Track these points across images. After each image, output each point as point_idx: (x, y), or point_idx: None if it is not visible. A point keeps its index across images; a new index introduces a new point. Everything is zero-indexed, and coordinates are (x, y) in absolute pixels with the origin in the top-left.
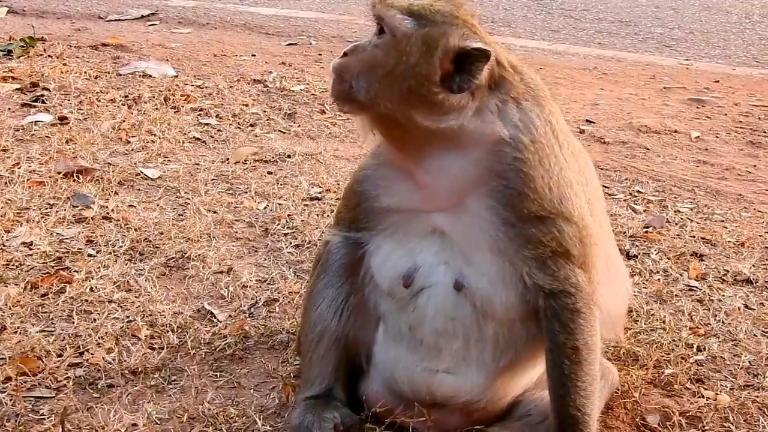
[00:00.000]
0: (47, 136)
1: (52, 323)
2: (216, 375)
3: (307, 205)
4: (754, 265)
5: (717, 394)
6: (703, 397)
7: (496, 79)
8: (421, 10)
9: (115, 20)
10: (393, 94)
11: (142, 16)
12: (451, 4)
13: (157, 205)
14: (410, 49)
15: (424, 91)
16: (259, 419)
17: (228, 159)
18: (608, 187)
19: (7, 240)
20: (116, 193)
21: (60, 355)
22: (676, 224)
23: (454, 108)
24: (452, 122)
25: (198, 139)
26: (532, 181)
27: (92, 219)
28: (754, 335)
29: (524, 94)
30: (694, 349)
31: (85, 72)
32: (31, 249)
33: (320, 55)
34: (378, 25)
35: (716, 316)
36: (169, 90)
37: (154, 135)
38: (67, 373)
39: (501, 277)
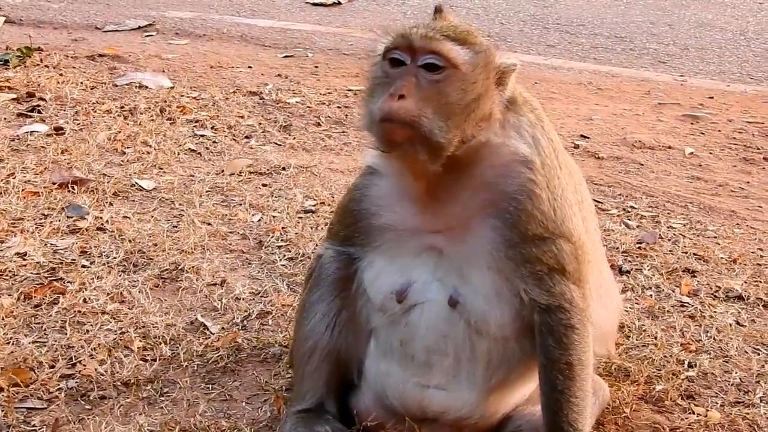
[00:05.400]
0: (43, 147)
1: (45, 334)
2: (208, 387)
3: (301, 217)
4: (746, 282)
5: (707, 410)
6: (693, 413)
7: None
8: (467, 37)
9: (112, 31)
10: (462, 126)
11: (139, 27)
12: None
13: (152, 216)
14: (476, 78)
15: (486, 115)
16: None
17: (223, 171)
18: (602, 203)
19: (0, 250)
20: (111, 204)
21: (52, 367)
22: (669, 240)
23: (490, 123)
24: (482, 137)
25: (193, 150)
26: (541, 203)
27: (86, 230)
28: (745, 352)
29: (525, 105)
30: (686, 365)
31: (82, 82)
32: (24, 259)
33: (316, 67)
34: (412, 56)
35: (708, 332)
36: (165, 101)
37: (150, 146)
38: (59, 385)
39: (496, 295)
